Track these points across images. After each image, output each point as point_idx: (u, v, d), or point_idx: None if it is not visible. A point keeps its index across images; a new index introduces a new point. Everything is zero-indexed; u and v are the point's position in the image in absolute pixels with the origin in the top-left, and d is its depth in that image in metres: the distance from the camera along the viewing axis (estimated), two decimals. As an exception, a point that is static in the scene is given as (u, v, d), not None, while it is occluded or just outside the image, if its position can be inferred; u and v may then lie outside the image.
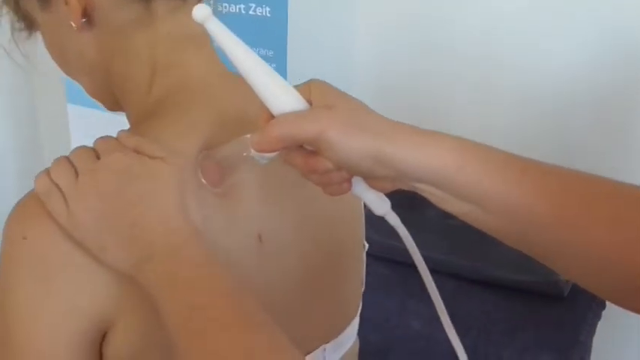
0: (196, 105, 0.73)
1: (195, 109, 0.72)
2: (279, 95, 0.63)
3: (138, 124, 0.74)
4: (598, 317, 1.58)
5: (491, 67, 1.80)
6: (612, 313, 1.59)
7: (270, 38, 1.75)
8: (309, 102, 0.64)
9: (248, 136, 0.68)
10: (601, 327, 1.57)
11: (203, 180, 0.70)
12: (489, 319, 1.49)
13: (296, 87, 0.65)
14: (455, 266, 1.58)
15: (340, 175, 0.65)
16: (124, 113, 0.80)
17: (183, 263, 0.62)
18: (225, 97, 0.74)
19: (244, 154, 0.68)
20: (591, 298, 1.59)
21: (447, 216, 0.67)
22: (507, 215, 0.64)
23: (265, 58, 1.79)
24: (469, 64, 1.82)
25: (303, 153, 0.65)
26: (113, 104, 0.81)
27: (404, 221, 0.70)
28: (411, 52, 1.89)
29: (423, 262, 0.73)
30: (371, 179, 0.67)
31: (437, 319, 1.47)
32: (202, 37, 0.75)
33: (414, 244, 0.72)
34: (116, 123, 0.79)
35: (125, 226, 0.62)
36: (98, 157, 0.65)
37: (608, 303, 1.60)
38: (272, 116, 0.64)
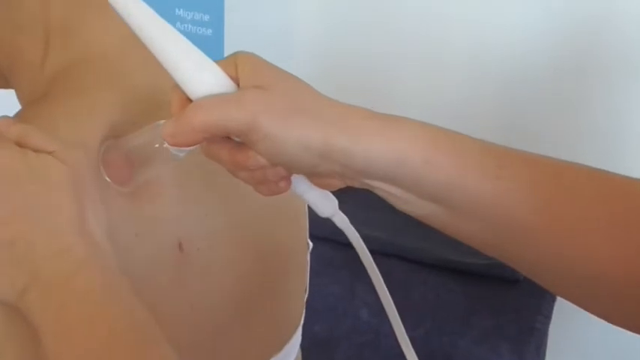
0: (99, 82, 0.59)
1: (98, 87, 0.59)
2: (197, 73, 0.51)
3: (29, 106, 0.60)
4: (554, 300, 1.51)
5: (440, 42, 1.70)
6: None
7: (205, 1, 1.61)
8: (236, 81, 0.52)
9: (162, 122, 0.54)
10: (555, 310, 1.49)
11: (107, 177, 0.57)
12: (443, 305, 1.39)
13: (218, 63, 0.52)
14: (404, 248, 1.48)
15: (276, 172, 0.53)
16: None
17: (76, 296, 0.48)
18: (135, 73, 0.61)
19: (156, 145, 0.55)
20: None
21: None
22: (482, 219, 0.52)
23: (201, 23, 1.65)
24: (416, 39, 1.72)
25: (228, 146, 0.52)
26: None
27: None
28: (355, 23, 1.77)
29: (375, 268, 0.62)
30: (314, 176, 0.54)
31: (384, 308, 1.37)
32: None
33: (365, 248, 0.61)
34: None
35: (2, 245, 0.49)
36: None
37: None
38: (189, 100, 0.51)
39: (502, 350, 1.32)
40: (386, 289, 0.62)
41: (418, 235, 1.49)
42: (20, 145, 0.51)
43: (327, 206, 0.58)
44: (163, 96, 0.58)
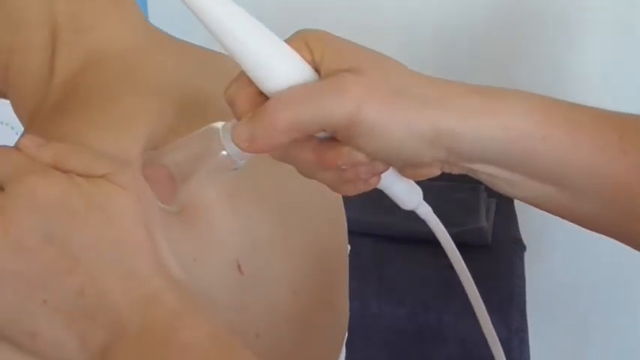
0: (127, 85, 0.49)
1: (127, 90, 0.49)
2: (276, 60, 0.42)
3: (37, 120, 0.50)
4: (522, 260, 1.49)
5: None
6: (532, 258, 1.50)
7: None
8: (315, 67, 0.43)
9: (216, 125, 0.46)
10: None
11: None
12: (422, 280, 1.34)
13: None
14: (373, 224, 1.41)
15: (371, 168, 0.45)
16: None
17: (185, 353, 0.39)
18: (167, 72, 0.51)
19: (212, 153, 0.46)
20: (513, 242, 1.50)
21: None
22: (603, 198, 0.46)
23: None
24: (346, 7, 1.62)
25: (313, 144, 0.44)
26: None
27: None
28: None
29: (462, 261, 0.55)
30: (411, 167, 0.47)
31: (362, 290, 1.31)
32: None
33: (451, 241, 0.55)
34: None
35: (67, 296, 0.39)
36: (1, 188, 0.40)
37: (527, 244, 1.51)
38: (260, 95, 0.43)
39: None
40: (473, 283, 0.56)
41: (382, 209, 1.43)
42: (59, 170, 0.41)
43: (413, 198, 0.51)
44: (203, 96, 0.50)
